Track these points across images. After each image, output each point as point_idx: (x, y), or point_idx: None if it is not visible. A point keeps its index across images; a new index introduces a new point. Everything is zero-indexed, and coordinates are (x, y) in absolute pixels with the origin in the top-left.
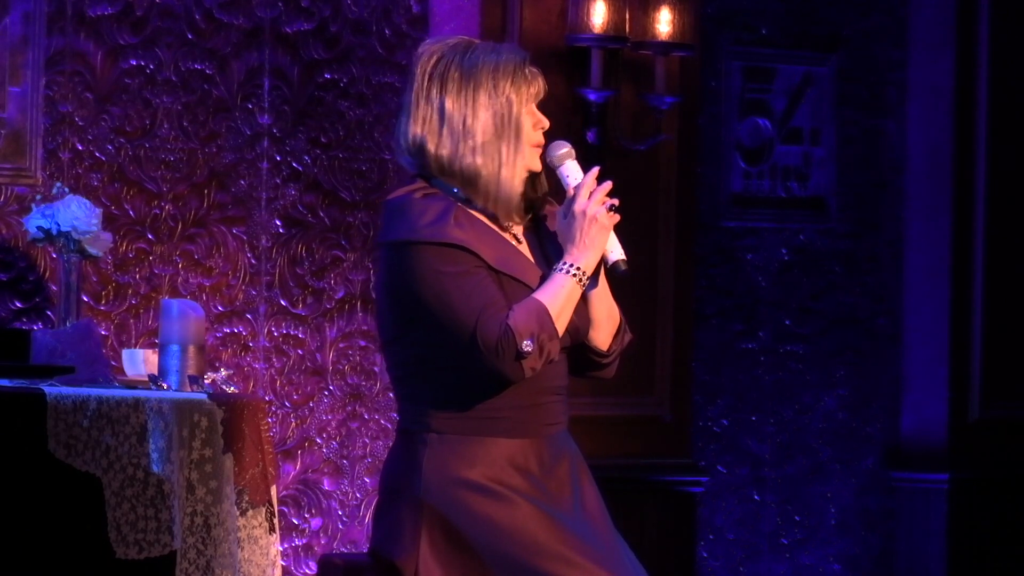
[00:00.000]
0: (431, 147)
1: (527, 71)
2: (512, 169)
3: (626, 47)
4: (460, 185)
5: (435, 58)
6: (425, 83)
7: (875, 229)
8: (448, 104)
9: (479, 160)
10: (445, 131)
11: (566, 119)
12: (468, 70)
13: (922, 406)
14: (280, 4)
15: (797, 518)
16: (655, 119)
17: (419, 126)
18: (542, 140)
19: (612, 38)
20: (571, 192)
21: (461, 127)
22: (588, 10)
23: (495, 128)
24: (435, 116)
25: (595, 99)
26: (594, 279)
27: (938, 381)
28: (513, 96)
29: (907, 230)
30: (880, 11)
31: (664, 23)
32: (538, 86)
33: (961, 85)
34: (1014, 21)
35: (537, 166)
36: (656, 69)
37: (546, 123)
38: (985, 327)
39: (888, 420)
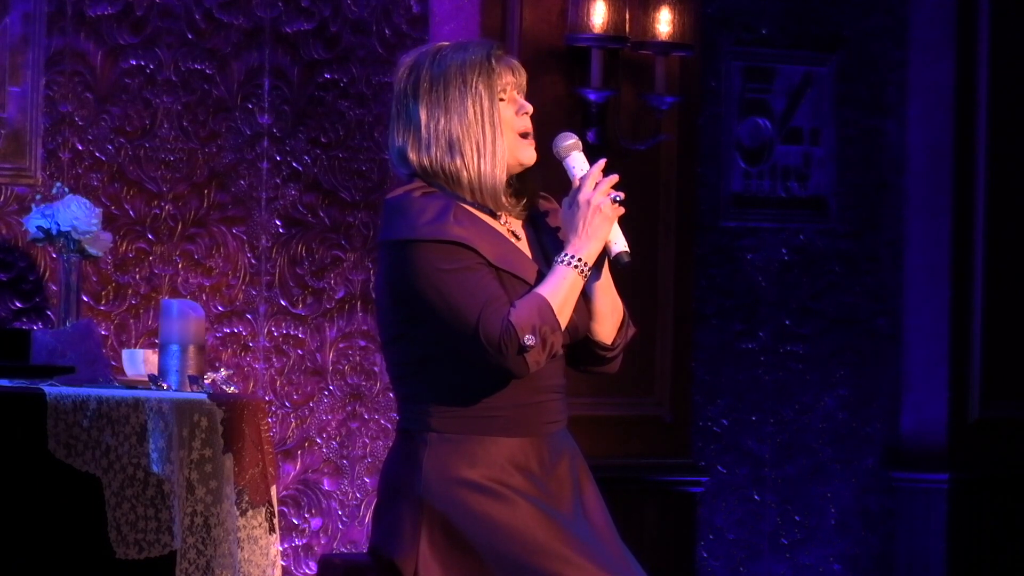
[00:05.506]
0: (412, 156)
1: (494, 61)
2: (492, 160)
3: (626, 47)
4: (447, 185)
5: (408, 70)
6: (401, 97)
7: (875, 229)
8: (422, 112)
9: (458, 161)
10: (422, 139)
11: (566, 119)
12: (437, 74)
13: (922, 406)
14: (280, 4)
15: (797, 518)
16: (655, 119)
17: (400, 138)
18: (528, 126)
19: (612, 38)
20: (576, 183)
21: (436, 132)
22: (588, 10)
23: (471, 123)
24: (411, 126)
25: (595, 99)
26: (596, 270)
27: (938, 381)
28: (484, 88)
29: (907, 230)
30: (880, 11)
31: (664, 23)
32: (512, 73)
33: (961, 85)
34: (1014, 21)
35: (528, 158)
36: (656, 69)
37: (529, 108)
38: (985, 327)
39: (888, 420)
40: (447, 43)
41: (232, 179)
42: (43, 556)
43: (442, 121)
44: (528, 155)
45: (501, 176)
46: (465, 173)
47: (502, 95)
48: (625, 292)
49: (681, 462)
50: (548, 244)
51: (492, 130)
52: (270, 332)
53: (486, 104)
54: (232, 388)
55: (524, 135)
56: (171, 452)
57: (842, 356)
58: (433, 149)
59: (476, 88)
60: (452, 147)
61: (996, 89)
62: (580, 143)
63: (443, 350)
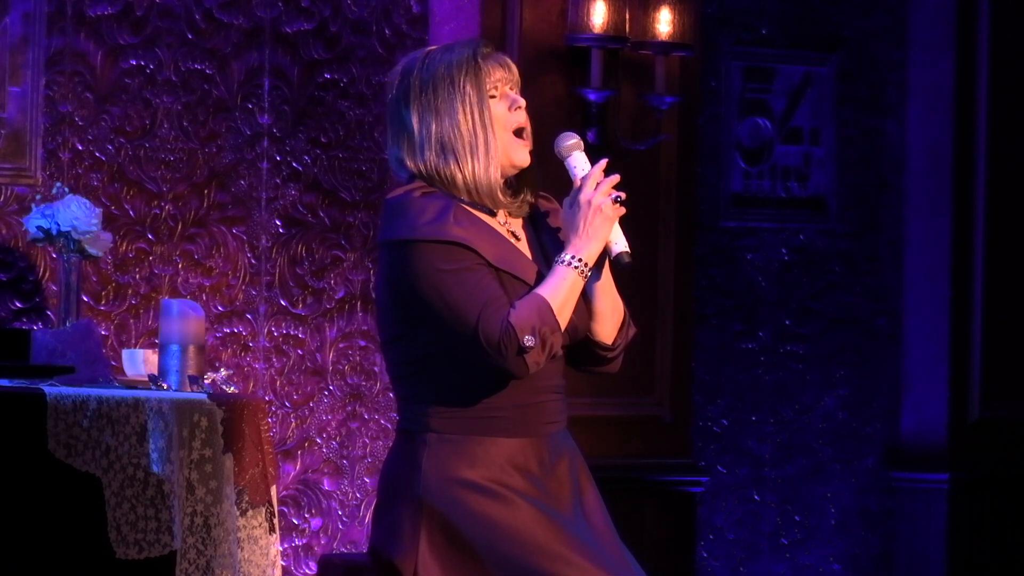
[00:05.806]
0: (408, 162)
1: (481, 59)
2: (486, 159)
3: (626, 47)
4: (444, 187)
5: (398, 78)
6: (394, 104)
7: (875, 229)
8: (413, 117)
9: (452, 163)
10: (416, 144)
11: (566, 119)
12: (426, 78)
13: (922, 406)
14: (280, 4)
15: (797, 518)
16: (655, 119)
17: (396, 145)
18: (521, 122)
19: (612, 38)
20: (578, 183)
21: (428, 136)
22: (588, 10)
23: (461, 124)
24: (405, 132)
25: (595, 99)
26: (597, 271)
27: (938, 381)
28: (472, 88)
29: (907, 230)
30: (880, 11)
31: (664, 23)
32: (502, 70)
33: (961, 85)
34: (1014, 21)
35: (521, 160)
36: (656, 69)
37: (521, 102)
38: (985, 327)
39: (888, 420)
40: (436, 46)
41: (232, 179)
42: (43, 556)
43: (433, 125)
44: (521, 157)
45: (496, 175)
46: (460, 175)
47: (493, 92)
48: (625, 292)
49: (681, 462)
50: (548, 244)
51: (483, 130)
52: (270, 332)
53: (475, 103)
54: (232, 388)
55: (519, 131)
56: (171, 452)
57: (842, 356)
58: (427, 153)
59: (464, 88)
60: (445, 150)
61: (996, 89)
62: (582, 143)
63: (443, 350)
